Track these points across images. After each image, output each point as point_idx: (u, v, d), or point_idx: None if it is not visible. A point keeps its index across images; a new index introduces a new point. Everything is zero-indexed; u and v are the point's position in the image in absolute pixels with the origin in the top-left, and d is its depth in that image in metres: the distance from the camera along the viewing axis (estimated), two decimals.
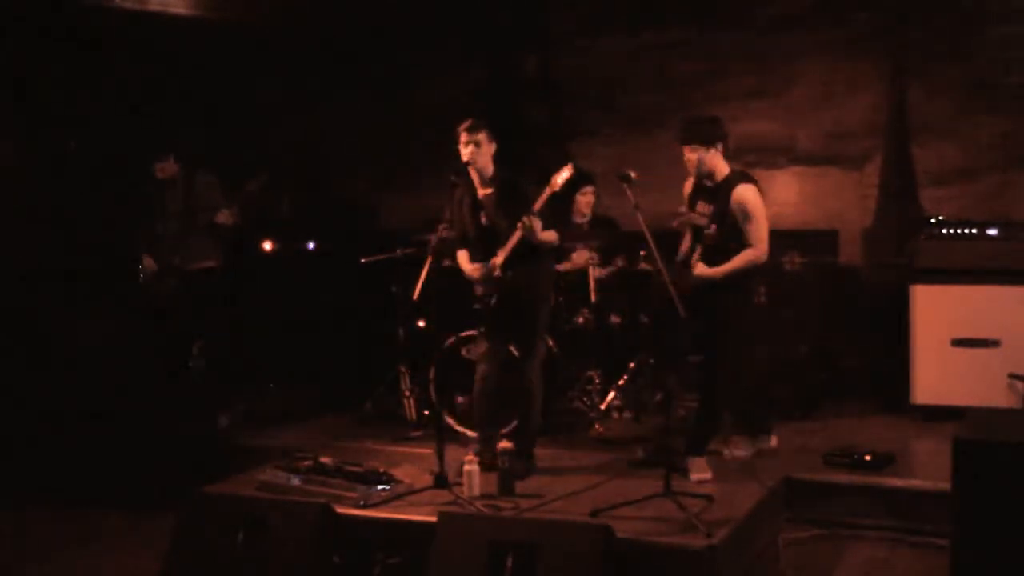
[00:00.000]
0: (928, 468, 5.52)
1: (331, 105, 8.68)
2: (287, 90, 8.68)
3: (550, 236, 5.48)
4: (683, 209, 6.64)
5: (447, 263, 5.96)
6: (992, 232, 6.47)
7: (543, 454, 5.73)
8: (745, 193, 5.16)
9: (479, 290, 5.54)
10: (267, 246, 8.31)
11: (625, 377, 6.71)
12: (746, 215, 5.14)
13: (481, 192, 5.56)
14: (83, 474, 6.27)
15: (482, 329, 5.69)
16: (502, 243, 5.44)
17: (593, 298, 6.66)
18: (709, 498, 4.78)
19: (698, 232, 5.34)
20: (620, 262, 6.91)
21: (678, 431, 5.46)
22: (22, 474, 6.43)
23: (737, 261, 5.17)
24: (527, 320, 5.53)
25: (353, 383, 7.45)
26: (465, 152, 5.44)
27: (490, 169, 5.53)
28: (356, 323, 8.03)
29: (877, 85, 7.36)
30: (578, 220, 6.98)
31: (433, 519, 4.56)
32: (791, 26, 7.48)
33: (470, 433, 6.17)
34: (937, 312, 6.44)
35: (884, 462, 5.54)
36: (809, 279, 6.95)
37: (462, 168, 5.48)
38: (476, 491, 5.03)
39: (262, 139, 8.41)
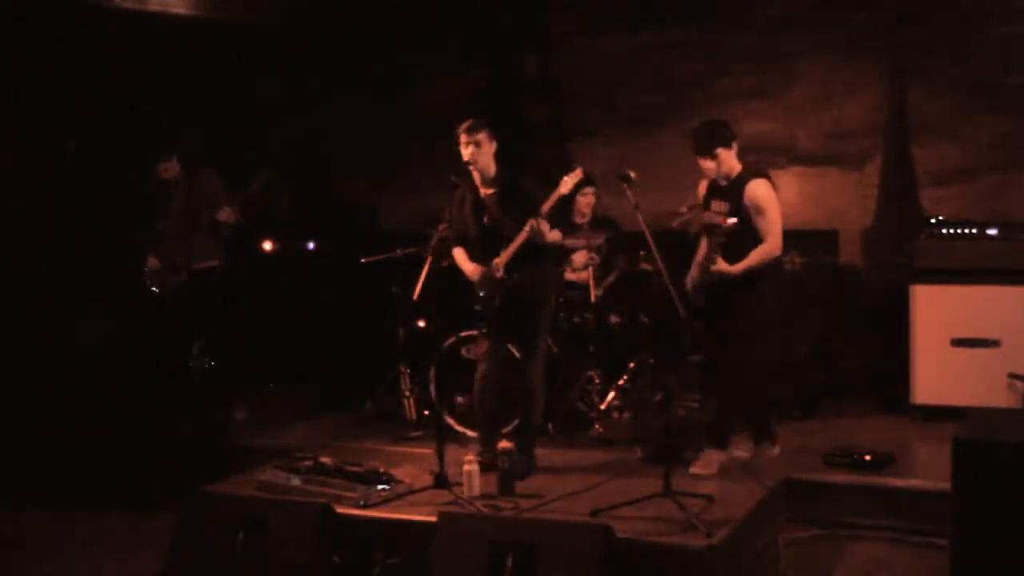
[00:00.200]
0: (928, 468, 5.52)
1: (331, 105, 8.67)
2: (287, 90, 8.68)
3: (555, 236, 5.49)
4: (684, 209, 6.67)
5: (447, 263, 5.96)
6: (992, 232, 6.47)
7: (543, 454, 5.73)
8: (758, 188, 5.30)
9: (478, 290, 5.54)
10: (267, 246, 8.31)
11: (625, 377, 6.71)
12: (759, 209, 5.28)
13: (483, 192, 5.56)
14: (83, 474, 6.28)
15: (483, 329, 5.69)
16: (504, 243, 5.43)
17: (593, 298, 6.66)
18: (709, 498, 4.78)
19: (711, 231, 5.40)
20: (620, 262, 6.92)
21: (678, 431, 5.47)
22: (22, 474, 6.43)
23: (754, 256, 5.29)
24: (529, 321, 5.53)
25: (353, 383, 7.45)
26: (466, 153, 5.43)
27: (492, 169, 5.52)
28: (356, 323, 8.03)
29: (877, 85, 7.36)
30: (578, 220, 6.98)
31: (433, 519, 4.56)
32: (791, 26, 7.48)
33: (470, 433, 6.18)
34: (937, 312, 6.44)
35: (884, 462, 5.54)
36: (809, 279, 6.95)
37: (463, 168, 5.48)
38: (476, 491, 5.03)
39: (262, 139, 8.41)
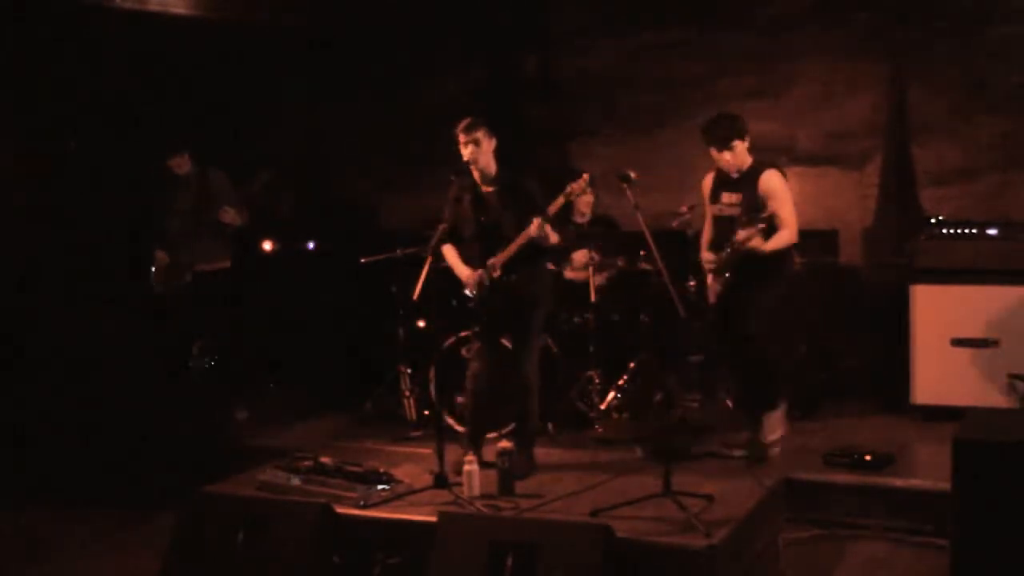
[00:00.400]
0: (928, 468, 5.52)
1: (331, 105, 8.67)
2: (287, 90, 8.68)
3: (554, 238, 5.49)
4: (684, 209, 6.69)
5: (446, 263, 5.96)
6: (992, 232, 6.47)
7: (543, 454, 5.73)
8: (772, 179, 5.51)
9: (470, 292, 5.54)
10: (267, 246, 8.31)
11: (625, 377, 6.71)
12: (775, 198, 5.45)
13: (484, 191, 5.55)
14: (83, 474, 6.28)
15: (476, 328, 5.69)
16: (502, 243, 5.43)
17: (593, 298, 6.65)
18: (709, 498, 4.78)
19: (722, 222, 5.53)
20: (620, 262, 6.91)
21: (679, 430, 5.48)
22: (22, 474, 6.43)
23: (774, 242, 5.45)
24: (523, 321, 5.52)
25: (353, 383, 7.45)
26: (466, 152, 5.42)
27: (493, 168, 5.51)
28: (356, 323, 8.03)
29: (877, 85, 7.35)
30: (578, 220, 6.98)
31: (433, 519, 4.56)
32: (791, 26, 7.47)
33: None
34: (937, 312, 6.43)
35: (884, 462, 5.54)
36: (809, 279, 6.94)
37: (464, 167, 5.47)
38: (476, 491, 5.03)
39: (262, 139, 8.40)
